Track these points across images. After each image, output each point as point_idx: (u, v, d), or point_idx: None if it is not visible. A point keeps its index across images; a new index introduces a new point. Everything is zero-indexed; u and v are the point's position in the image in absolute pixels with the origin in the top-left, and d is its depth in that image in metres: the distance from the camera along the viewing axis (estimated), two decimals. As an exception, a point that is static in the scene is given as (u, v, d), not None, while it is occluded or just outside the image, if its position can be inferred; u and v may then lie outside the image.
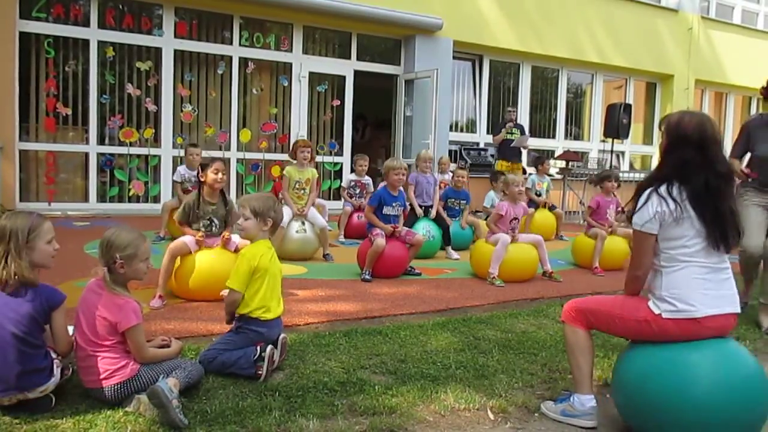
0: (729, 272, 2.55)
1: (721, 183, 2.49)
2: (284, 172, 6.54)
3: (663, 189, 2.50)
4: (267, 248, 3.26)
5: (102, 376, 2.62)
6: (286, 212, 6.19)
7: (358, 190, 7.97)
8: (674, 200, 2.47)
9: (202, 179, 4.66)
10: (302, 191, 6.39)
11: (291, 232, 6.19)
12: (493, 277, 5.50)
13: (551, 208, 8.91)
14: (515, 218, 5.84)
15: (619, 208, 6.61)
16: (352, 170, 8.59)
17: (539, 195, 8.87)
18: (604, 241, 6.37)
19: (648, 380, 2.48)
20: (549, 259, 5.95)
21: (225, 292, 3.26)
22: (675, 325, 2.46)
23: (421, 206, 7.14)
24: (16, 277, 2.50)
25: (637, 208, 2.55)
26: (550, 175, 9.55)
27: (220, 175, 4.61)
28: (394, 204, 5.81)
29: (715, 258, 2.50)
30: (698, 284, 2.47)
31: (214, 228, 4.64)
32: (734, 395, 2.37)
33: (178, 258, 4.41)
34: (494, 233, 5.76)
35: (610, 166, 12.62)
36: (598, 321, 2.69)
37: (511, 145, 10.26)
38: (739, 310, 2.54)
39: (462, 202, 7.53)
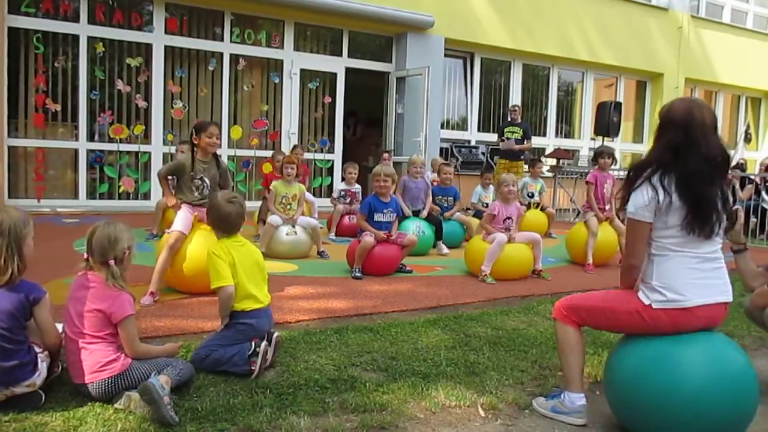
0: (721, 262, 2.54)
1: (704, 166, 2.45)
2: (271, 186, 6.54)
3: (655, 178, 2.48)
4: (233, 242, 3.27)
5: (92, 370, 2.60)
6: (276, 218, 6.20)
7: (348, 200, 7.94)
8: (664, 188, 2.45)
9: (195, 142, 4.69)
10: (289, 206, 6.38)
11: (281, 234, 6.17)
12: (485, 275, 5.51)
13: (543, 209, 8.92)
14: (509, 218, 5.81)
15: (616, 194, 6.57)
16: (342, 179, 8.55)
17: (532, 196, 8.85)
18: (596, 238, 6.39)
19: (638, 377, 2.50)
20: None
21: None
22: (665, 315, 2.47)
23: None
24: (11, 272, 2.49)
25: (630, 196, 2.54)
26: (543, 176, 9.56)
27: (214, 138, 4.67)
28: (384, 211, 5.79)
29: (707, 247, 2.49)
30: (688, 274, 2.46)
31: (204, 189, 4.64)
32: (723, 391, 2.38)
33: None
34: (489, 233, 5.74)
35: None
36: (589, 316, 2.69)
37: (501, 147, 10.32)
38: (730, 299, 2.53)
39: (450, 198, 7.53)
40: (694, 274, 2.47)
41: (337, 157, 10.97)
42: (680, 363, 2.44)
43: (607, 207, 6.63)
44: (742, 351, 2.58)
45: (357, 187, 8.05)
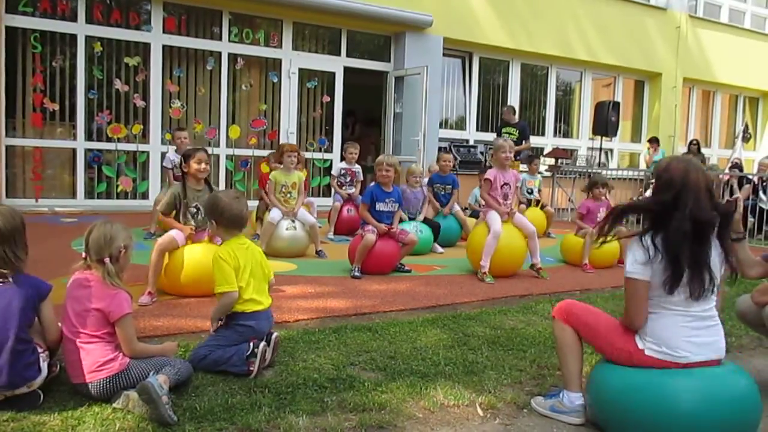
0: (715, 319, 2.53)
1: (687, 226, 2.42)
2: (270, 176, 6.53)
3: (646, 237, 2.48)
4: (238, 245, 3.25)
5: (90, 370, 2.60)
6: (276, 211, 6.20)
7: (348, 179, 7.95)
8: (655, 247, 2.45)
9: (185, 170, 4.70)
10: (289, 195, 6.38)
11: (281, 229, 6.17)
12: (484, 273, 5.51)
13: (542, 207, 8.93)
14: (506, 183, 5.76)
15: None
16: (342, 158, 8.54)
17: (531, 193, 8.88)
18: (593, 239, 6.38)
19: (627, 397, 2.46)
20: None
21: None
22: (657, 362, 2.47)
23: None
24: (14, 270, 2.52)
25: (626, 258, 2.54)
26: (540, 173, 9.60)
27: (203, 165, 4.64)
28: (387, 200, 5.79)
29: (699, 306, 2.47)
30: (681, 332, 2.46)
31: (200, 216, 4.63)
32: (722, 414, 2.33)
33: (167, 254, 4.39)
34: (488, 204, 5.71)
35: (599, 164, 12.69)
36: (585, 332, 2.70)
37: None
38: (723, 356, 2.53)
39: (448, 186, 7.49)
40: (686, 332, 2.46)
41: (335, 156, 10.97)
42: (672, 385, 2.40)
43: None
44: (745, 375, 2.53)
45: (357, 167, 8.06)
